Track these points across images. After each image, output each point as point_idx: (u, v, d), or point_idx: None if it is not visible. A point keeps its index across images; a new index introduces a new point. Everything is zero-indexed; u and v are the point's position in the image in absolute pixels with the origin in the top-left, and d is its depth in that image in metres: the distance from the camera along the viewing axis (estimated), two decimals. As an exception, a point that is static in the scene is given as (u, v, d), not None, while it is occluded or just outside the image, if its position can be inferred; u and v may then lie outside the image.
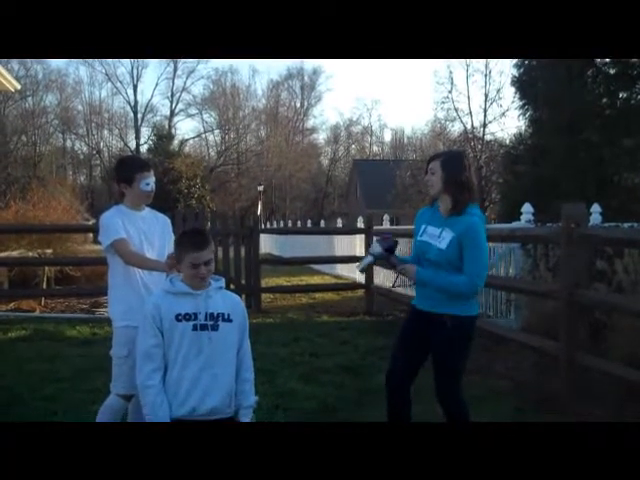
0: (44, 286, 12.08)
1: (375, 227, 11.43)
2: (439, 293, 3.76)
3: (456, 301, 3.75)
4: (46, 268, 12.24)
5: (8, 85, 16.24)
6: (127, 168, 4.18)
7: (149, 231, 4.11)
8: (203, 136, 64.93)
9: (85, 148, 62.90)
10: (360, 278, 11.75)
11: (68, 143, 62.45)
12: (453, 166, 3.79)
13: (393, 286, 4.02)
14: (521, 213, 9.28)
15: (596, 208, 10.10)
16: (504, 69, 40.65)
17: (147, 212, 4.21)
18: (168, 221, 4.33)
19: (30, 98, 56.39)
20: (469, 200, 3.77)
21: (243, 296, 10.90)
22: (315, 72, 67.81)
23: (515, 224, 9.36)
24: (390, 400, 3.98)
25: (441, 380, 3.83)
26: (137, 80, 62.02)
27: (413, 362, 3.94)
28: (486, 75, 35.92)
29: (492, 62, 36.21)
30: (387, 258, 3.93)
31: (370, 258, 3.96)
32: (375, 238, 3.95)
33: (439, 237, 3.75)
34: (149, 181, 4.07)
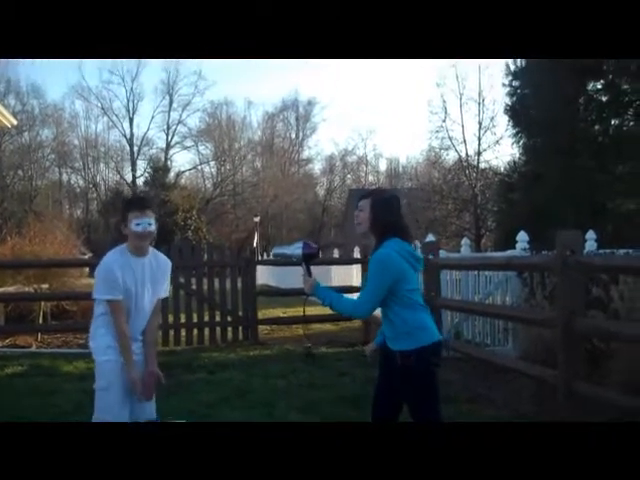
0: (40, 321, 12.03)
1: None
2: (389, 332, 3.76)
3: (400, 334, 3.71)
4: (42, 303, 12.20)
5: (5, 121, 16.34)
6: (122, 208, 4.15)
7: (147, 277, 4.07)
8: (199, 168, 65.17)
9: (81, 182, 63.10)
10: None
11: (64, 177, 62.64)
12: (381, 207, 3.80)
13: (305, 298, 4.01)
14: (516, 241, 9.31)
15: (591, 235, 10.13)
16: (497, 97, 40.91)
17: (150, 255, 4.12)
18: (169, 265, 4.27)
19: (26, 133, 56.62)
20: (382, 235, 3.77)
21: (240, 328, 10.89)
22: (310, 103, 68.18)
23: (510, 252, 9.39)
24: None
25: (415, 411, 3.75)
26: (133, 113, 62.38)
27: (391, 403, 3.90)
28: (479, 103, 36.07)
29: (485, 90, 36.52)
30: (303, 264, 3.88)
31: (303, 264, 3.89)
32: (304, 246, 3.93)
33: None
34: (140, 221, 3.93)
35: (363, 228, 3.82)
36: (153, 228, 4.01)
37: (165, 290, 4.29)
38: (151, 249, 4.15)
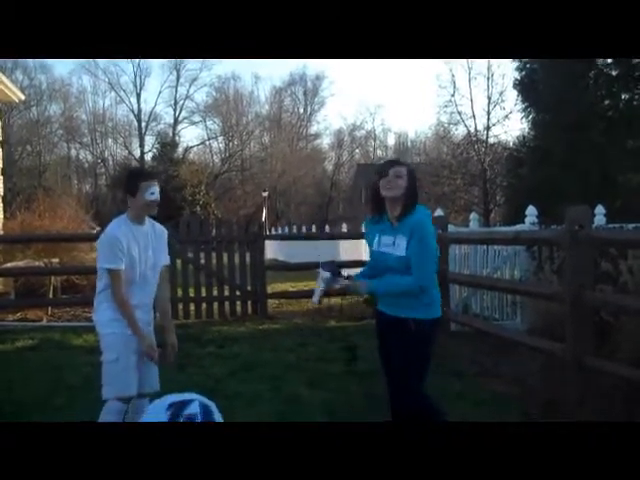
0: (50, 295, 12.11)
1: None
2: (401, 298, 3.79)
3: (419, 304, 3.77)
4: (52, 277, 12.27)
5: (13, 96, 16.33)
6: (132, 178, 4.20)
7: (148, 244, 4.15)
8: (207, 143, 65.09)
9: (90, 157, 63.15)
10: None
11: (73, 152, 62.70)
12: (414, 177, 3.91)
13: (319, 302, 4.12)
14: (525, 216, 9.29)
15: (600, 209, 10.10)
16: (506, 72, 40.65)
17: (147, 223, 4.21)
18: (165, 232, 4.36)
19: (34, 108, 56.62)
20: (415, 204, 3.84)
21: (249, 303, 10.94)
22: (318, 77, 67.83)
23: (519, 227, 9.38)
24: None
25: (400, 383, 3.84)
26: (140, 89, 62.38)
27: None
28: (488, 78, 35.93)
29: (494, 65, 36.24)
30: (336, 281, 3.99)
31: (322, 286, 4.01)
32: (320, 267, 4.03)
33: (394, 245, 3.78)
34: (154, 190, 4.06)
35: (397, 193, 3.79)
36: (159, 196, 4.14)
37: (166, 257, 4.36)
38: (147, 218, 4.23)
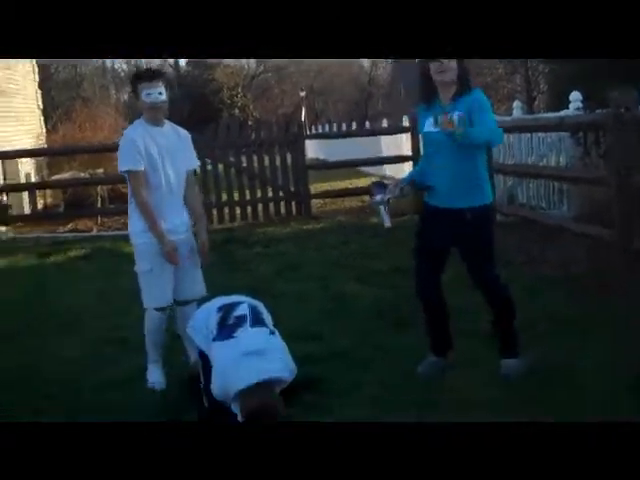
0: (99, 205, 12.32)
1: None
2: (455, 188, 3.76)
3: (473, 192, 3.78)
4: (99, 187, 12.45)
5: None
6: (133, 81, 4.10)
7: (170, 146, 4.05)
8: (241, 44, 64.00)
9: (125, 66, 62.65)
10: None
11: (108, 62, 62.25)
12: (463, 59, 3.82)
13: (390, 224, 4.07)
14: (569, 101, 9.03)
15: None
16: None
17: (168, 127, 4.13)
18: (189, 136, 4.26)
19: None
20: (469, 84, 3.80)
21: (293, 203, 10.99)
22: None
23: (563, 112, 9.13)
24: (426, 309, 4.11)
25: (478, 268, 3.89)
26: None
27: (438, 266, 4.03)
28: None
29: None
30: (391, 193, 3.99)
31: (383, 208, 3.98)
32: (373, 190, 4.01)
33: (450, 120, 3.64)
34: (150, 91, 3.92)
35: (452, 76, 3.73)
36: (164, 97, 3.99)
37: (194, 160, 4.30)
38: (168, 122, 4.15)
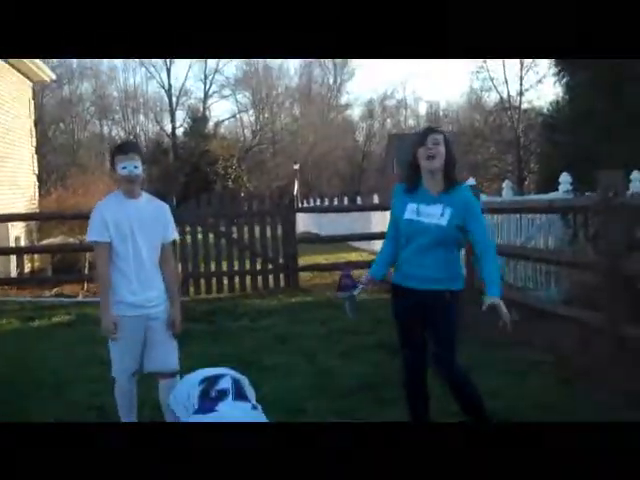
0: (86, 271, 12.25)
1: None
2: (440, 273, 3.77)
3: (454, 277, 3.83)
4: (87, 253, 12.39)
5: (44, 75, 16.45)
6: (111, 153, 4.16)
7: (143, 218, 4.05)
8: (237, 116, 64.92)
9: (122, 133, 63.33)
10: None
11: (105, 129, 63.03)
12: (450, 144, 3.82)
13: (356, 316, 4.11)
14: (559, 183, 9.13)
15: (636, 175, 9.89)
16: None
17: (144, 199, 4.14)
18: (166, 208, 4.26)
19: (66, 86, 56.94)
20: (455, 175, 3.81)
21: (281, 276, 10.96)
22: (347, 47, 66.96)
23: (552, 195, 9.22)
24: (409, 398, 4.08)
25: (443, 353, 3.83)
26: (170, 64, 62.14)
27: (421, 350, 3.97)
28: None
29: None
30: (357, 290, 4.04)
31: (348, 303, 4.04)
32: (341, 283, 4.04)
33: (442, 215, 3.70)
34: (126, 164, 3.96)
35: (438, 164, 3.73)
36: (139, 171, 4.01)
37: (170, 232, 4.26)
38: (146, 194, 4.18)
